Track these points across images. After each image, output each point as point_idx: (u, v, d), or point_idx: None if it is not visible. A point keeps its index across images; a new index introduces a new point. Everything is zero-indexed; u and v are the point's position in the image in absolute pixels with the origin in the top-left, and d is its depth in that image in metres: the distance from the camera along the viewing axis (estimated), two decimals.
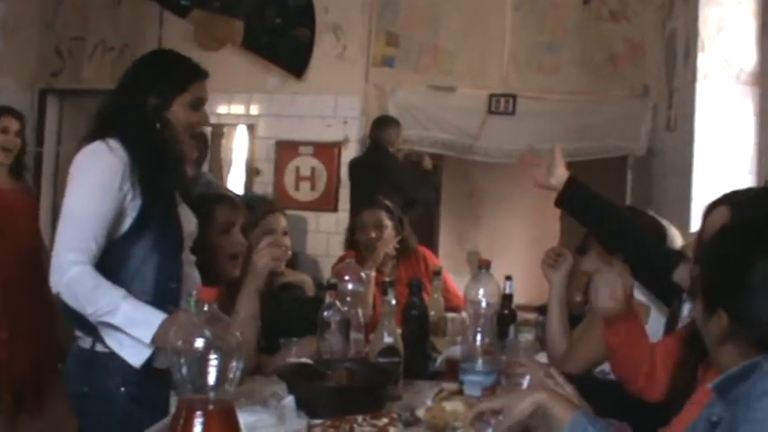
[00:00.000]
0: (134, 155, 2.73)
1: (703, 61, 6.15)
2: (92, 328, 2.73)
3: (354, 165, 7.28)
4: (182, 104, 2.85)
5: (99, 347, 2.76)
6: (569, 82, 7.57)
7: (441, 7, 7.82)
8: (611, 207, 3.11)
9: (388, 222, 4.69)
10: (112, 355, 2.71)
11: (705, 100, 6.11)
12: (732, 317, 1.77)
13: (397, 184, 6.51)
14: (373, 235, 4.62)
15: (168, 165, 2.82)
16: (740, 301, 1.75)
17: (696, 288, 1.94)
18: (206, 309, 1.65)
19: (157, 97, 2.81)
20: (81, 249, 2.61)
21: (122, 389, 2.74)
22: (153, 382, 2.63)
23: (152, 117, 2.81)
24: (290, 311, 3.70)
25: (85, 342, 2.81)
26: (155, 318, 2.60)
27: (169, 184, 2.84)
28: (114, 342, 2.69)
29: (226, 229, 3.26)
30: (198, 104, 2.90)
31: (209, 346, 1.62)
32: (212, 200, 3.36)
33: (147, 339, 2.60)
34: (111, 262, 2.69)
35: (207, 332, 1.63)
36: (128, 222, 2.72)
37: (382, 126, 7.09)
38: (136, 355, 2.67)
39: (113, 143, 2.71)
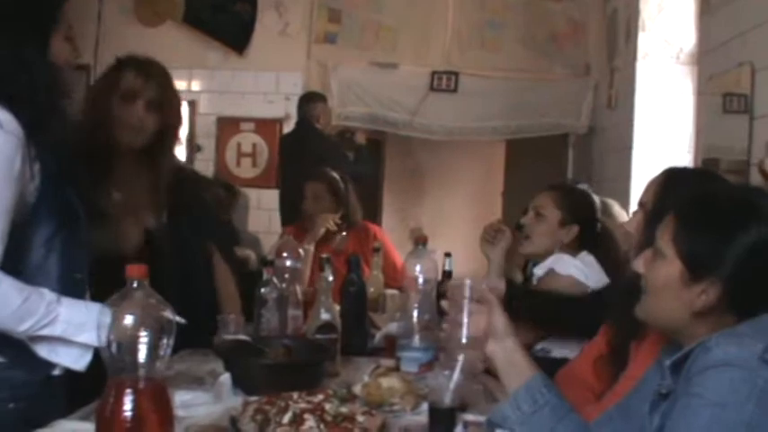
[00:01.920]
0: (30, 124, 2.18)
1: (644, 41, 6.21)
2: None
3: (283, 141, 7.28)
4: (59, 40, 2.34)
5: None
6: (512, 60, 7.59)
7: None
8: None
9: (326, 195, 4.69)
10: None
11: (645, 79, 6.17)
12: (727, 288, 1.69)
13: (324, 158, 6.51)
14: (312, 206, 4.63)
15: (67, 128, 2.37)
16: (741, 272, 1.69)
17: (652, 242, 1.83)
18: (135, 285, 1.63)
19: (34, 42, 2.26)
20: None
21: (11, 405, 2.26)
22: (49, 396, 2.29)
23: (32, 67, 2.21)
24: None
25: None
26: (95, 313, 2.18)
27: (68, 160, 2.37)
28: (45, 351, 2.24)
29: (129, 99, 2.95)
30: (71, 34, 2.40)
31: (138, 324, 1.60)
32: (123, 65, 3.03)
33: (96, 342, 2.12)
34: (7, 257, 2.17)
35: (136, 310, 1.61)
36: (26, 209, 2.25)
37: (308, 102, 7.06)
38: (78, 360, 2.26)
39: (1, 115, 2.13)
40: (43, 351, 2.24)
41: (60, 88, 2.29)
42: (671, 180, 2.36)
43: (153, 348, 1.62)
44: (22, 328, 2.15)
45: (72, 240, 2.36)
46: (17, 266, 2.21)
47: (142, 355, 1.61)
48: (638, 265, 1.86)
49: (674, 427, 1.61)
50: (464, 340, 1.99)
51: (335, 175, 4.87)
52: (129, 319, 1.60)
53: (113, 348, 1.61)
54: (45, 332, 2.18)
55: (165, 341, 1.63)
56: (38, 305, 2.16)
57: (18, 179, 2.16)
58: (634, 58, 6.24)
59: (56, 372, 2.29)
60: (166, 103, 3.04)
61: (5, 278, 2.13)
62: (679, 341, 1.77)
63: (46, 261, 2.29)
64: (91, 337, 2.18)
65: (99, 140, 2.85)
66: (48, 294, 2.19)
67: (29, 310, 2.15)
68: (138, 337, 1.60)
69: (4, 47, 2.19)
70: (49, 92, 2.24)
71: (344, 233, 4.71)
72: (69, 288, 2.31)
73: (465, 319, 2.00)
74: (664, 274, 1.77)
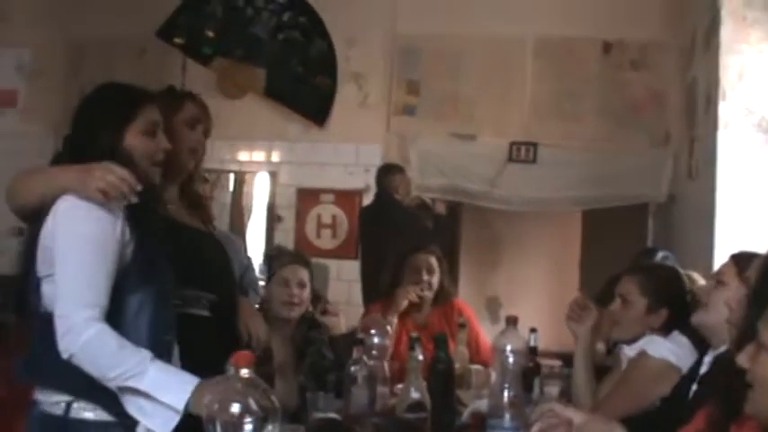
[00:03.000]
0: None
1: (724, 109, 6.14)
2: (72, 386, 2.38)
3: (363, 213, 7.32)
4: (135, 134, 2.56)
5: (75, 413, 2.40)
6: (590, 130, 7.59)
7: (461, 55, 7.87)
8: None
9: (437, 268, 4.65)
10: (92, 425, 2.39)
11: (727, 148, 6.08)
12: None
13: (404, 229, 6.53)
14: (426, 279, 4.58)
15: (150, 203, 2.54)
16: None
17: (747, 335, 1.81)
18: (242, 373, 1.65)
19: (108, 132, 2.53)
20: (94, 305, 2.31)
21: None
22: None
23: (109, 155, 2.46)
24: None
25: (56, 406, 2.42)
26: (187, 382, 2.26)
27: (157, 223, 2.56)
28: (134, 408, 2.31)
29: (191, 126, 3.03)
30: (152, 130, 2.62)
31: (244, 411, 1.63)
32: (185, 94, 3.15)
33: (181, 406, 2.23)
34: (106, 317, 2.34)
35: (243, 397, 1.63)
36: (123, 265, 2.41)
37: (387, 173, 7.12)
38: (163, 424, 2.29)
39: None
40: (132, 408, 2.31)
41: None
42: None
43: None
44: (112, 374, 2.26)
45: (160, 302, 2.47)
46: (110, 320, 2.34)
47: None
48: (743, 360, 1.81)
49: None
50: None
51: (432, 247, 4.84)
52: (234, 407, 1.63)
53: None
54: (131, 383, 2.27)
55: (269, 427, 1.66)
56: (131, 356, 2.28)
57: (119, 242, 2.38)
58: (715, 128, 6.16)
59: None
60: (210, 132, 3.12)
61: (107, 326, 2.29)
62: None
63: (137, 322, 2.39)
64: (175, 399, 2.23)
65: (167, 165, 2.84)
66: (144, 351, 2.30)
67: (122, 357, 2.27)
68: (242, 423, 1.63)
69: (88, 138, 2.52)
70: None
71: (430, 307, 4.66)
72: (158, 349, 2.39)
73: None
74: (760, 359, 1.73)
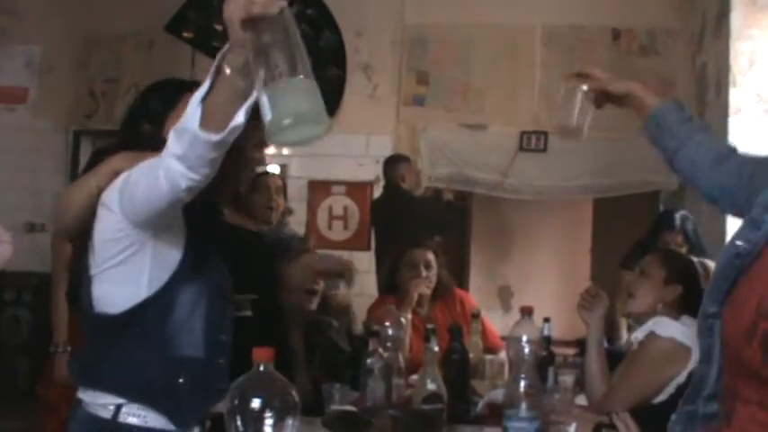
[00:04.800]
0: None
1: (735, 95, 6.14)
2: (126, 389, 2.34)
3: (374, 205, 7.32)
4: (174, 122, 2.35)
5: (124, 417, 2.34)
6: (600, 118, 7.48)
7: (470, 45, 7.86)
8: None
9: (435, 263, 4.66)
10: (139, 431, 2.34)
11: (738, 134, 6.08)
12: None
13: (416, 216, 6.55)
14: (424, 275, 4.59)
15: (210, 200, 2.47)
16: None
17: None
18: (262, 369, 1.67)
19: (150, 122, 2.52)
20: None
21: None
22: None
23: (150, 144, 2.35)
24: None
25: (104, 408, 2.37)
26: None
27: (204, 217, 2.50)
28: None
29: (260, 145, 2.88)
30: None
31: (265, 406, 1.64)
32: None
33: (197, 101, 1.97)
34: (155, 312, 2.33)
35: (263, 392, 1.65)
36: (175, 261, 2.36)
37: (392, 164, 7.12)
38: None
39: None
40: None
41: None
42: None
43: (278, 429, 1.66)
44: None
45: (215, 301, 2.45)
46: (165, 319, 2.34)
47: None
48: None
49: None
50: None
51: (429, 242, 4.86)
52: (255, 402, 1.64)
53: (239, 428, 1.65)
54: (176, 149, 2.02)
55: (290, 422, 1.67)
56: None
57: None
58: (725, 114, 6.16)
59: None
60: None
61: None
62: None
63: (191, 318, 2.38)
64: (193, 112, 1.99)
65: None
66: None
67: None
68: (263, 418, 1.64)
69: (132, 128, 2.53)
70: None
71: (431, 300, 4.66)
72: (211, 348, 2.42)
73: None
74: None
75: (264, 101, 1.73)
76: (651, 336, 3.20)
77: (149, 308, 2.33)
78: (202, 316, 2.40)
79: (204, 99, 1.94)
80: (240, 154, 2.71)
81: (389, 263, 4.81)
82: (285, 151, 7.90)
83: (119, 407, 2.32)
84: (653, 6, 7.67)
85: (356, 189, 7.76)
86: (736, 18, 6.09)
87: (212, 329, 2.43)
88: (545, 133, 7.61)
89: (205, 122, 1.94)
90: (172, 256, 2.34)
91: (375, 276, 6.84)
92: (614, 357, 3.63)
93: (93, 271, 2.34)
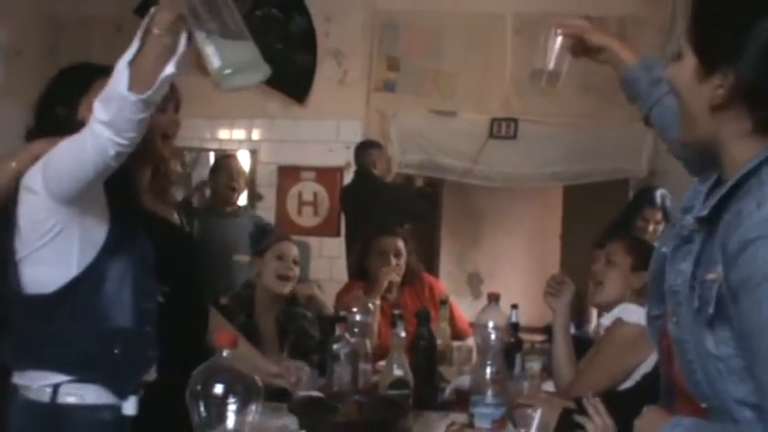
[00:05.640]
0: None
1: None
2: (63, 364, 2.39)
3: (344, 191, 7.32)
4: (88, 106, 2.39)
5: (62, 398, 2.38)
6: (571, 105, 7.57)
7: (441, 31, 7.83)
8: None
9: (404, 249, 4.66)
10: (80, 409, 2.38)
11: None
12: (742, 79, 1.67)
13: (387, 202, 6.54)
14: (394, 263, 4.59)
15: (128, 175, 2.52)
16: (756, 62, 1.66)
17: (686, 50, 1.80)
18: (225, 354, 1.66)
19: (63, 105, 2.56)
20: None
21: None
22: None
23: (66, 128, 2.36)
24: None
25: (41, 392, 2.40)
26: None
27: (124, 190, 2.52)
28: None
29: (162, 107, 2.81)
30: (161, 106, 2.54)
31: (227, 392, 1.64)
32: None
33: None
34: (86, 287, 2.39)
35: (226, 378, 1.64)
36: (102, 237, 2.41)
37: (363, 150, 7.10)
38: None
39: None
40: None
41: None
42: None
43: (241, 414, 1.65)
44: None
45: (144, 271, 2.51)
46: (96, 294, 2.40)
47: (231, 421, 1.64)
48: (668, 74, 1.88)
49: (748, 320, 1.59)
50: None
51: (399, 229, 4.86)
52: (218, 388, 1.64)
53: (202, 413, 1.65)
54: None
55: (253, 407, 1.66)
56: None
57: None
58: None
59: (129, 412, 2.37)
60: (180, 106, 2.95)
61: None
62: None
63: (120, 290, 2.43)
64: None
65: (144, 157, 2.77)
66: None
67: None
68: (227, 404, 1.64)
69: (47, 110, 2.59)
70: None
71: (400, 287, 4.67)
72: (141, 317, 2.46)
73: None
74: (683, 73, 1.78)
75: (208, 52, 2.02)
76: (618, 322, 3.22)
77: (81, 284, 2.38)
78: (131, 287, 2.45)
79: (131, 62, 2.04)
80: None
81: (359, 249, 4.82)
82: (255, 136, 7.86)
83: (56, 388, 2.36)
84: None
85: (326, 175, 7.71)
86: None
87: (141, 299, 2.48)
88: (515, 120, 7.61)
89: (134, 84, 2.04)
90: (98, 232, 2.40)
91: (345, 262, 6.84)
92: (582, 343, 3.66)
93: (22, 254, 2.38)
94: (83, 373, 2.38)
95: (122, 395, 2.38)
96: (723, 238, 1.64)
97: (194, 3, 2.00)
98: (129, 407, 2.37)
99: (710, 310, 1.67)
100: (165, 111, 2.84)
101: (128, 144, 2.13)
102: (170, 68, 2.06)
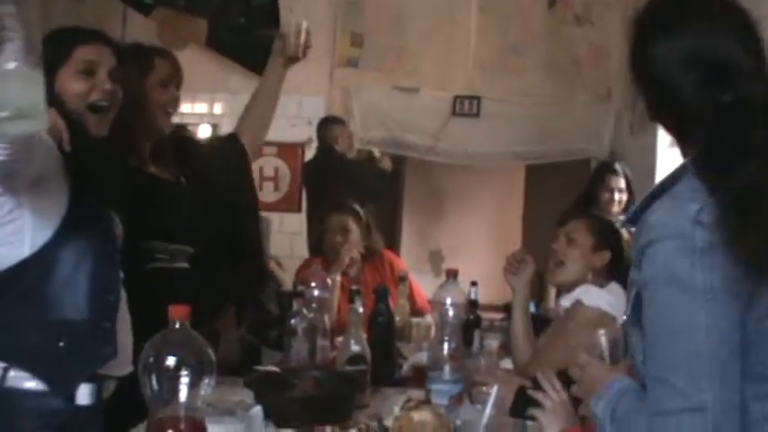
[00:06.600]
0: None
1: None
2: (1, 350, 2.26)
3: (307, 166, 7.30)
4: (69, 75, 2.44)
5: (12, 381, 2.25)
6: (534, 85, 7.59)
7: (405, 8, 7.80)
8: None
9: (354, 227, 4.65)
10: (30, 394, 2.25)
11: None
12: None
13: (346, 179, 6.54)
14: (339, 239, 4.58)
15: (82, 148, 2.34)
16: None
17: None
18: (178, 326, 1.64)
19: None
20: None
21: None
22: (80, 428, 2.26)
23: None
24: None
25: None
26: None
27: (97, 172, 2.41)
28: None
29: (164, 84, 2.98)
30: (88, 70, 2.46)
31: (180, 364, 1.62)
32: (154, 51, 3.08)
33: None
34: (36, 271, 2.24)
35: (179, 350, 1.62)
36: (57, 218, 2.26)
37: (326, 126, 7.09)
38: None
39: None
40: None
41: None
42: None
43: (194, 387, 1.64)
44: None
45: (104, 260, 2.37)
46: (46, 279, 2.24)
47: (183, 394, 1.62)
48: None
49: (650, 322, 1.65)
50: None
51: (357, 206, 4.84)
52: (170, 360, 1.62)
53: (154, 387, 1.63)
54: None
55: (206, 380, 1.64)
56: None
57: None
58: None
59: (84, 401, 2.23)
60: (181, 84, 3.09)
61: None
62: None
63: (74, 278, 2.28)
64: None
65: (137, 128, 2.85)
66: None
67: None
68: (179, 377, 1.62)
69: None
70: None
71: (360, 263, 4.67)
72: (99, 308, 2.33)
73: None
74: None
75: None
76: (577, 304, 3.21)
77: (30, 267, 2.23)
78: (88, 275, 2.31)
79: None
80: (143, 95, 2.70)
81: (316, 226, 4.83)
82: (217, 111, 7.81)
83: (4, 372, 2.24)
84: None
85: (287, 150, 7.68)
86: None
87: (98, 290, 2.33)
88: (478, 98, 7.61)
89: None
90: (53, 213, 2.25)
91: (306, 238, 6.83)
92: (541, 322, 3.67)
93: None
94: (22, 363, 2.24)
95: (62, 391, 2.24)
96: (636, 242, 1.70)
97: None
98: (83, 396, 2.21)
99: (629, 309, 1.76)
100: (167, 87, 2.88)
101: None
102: None
